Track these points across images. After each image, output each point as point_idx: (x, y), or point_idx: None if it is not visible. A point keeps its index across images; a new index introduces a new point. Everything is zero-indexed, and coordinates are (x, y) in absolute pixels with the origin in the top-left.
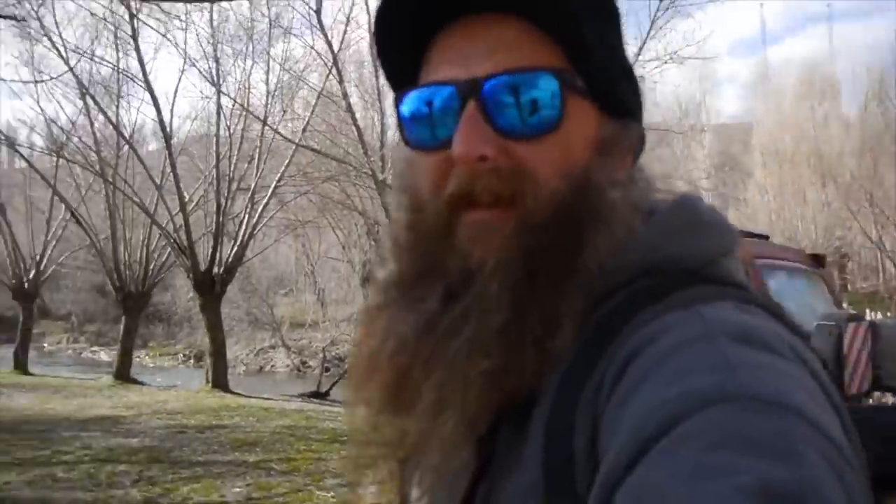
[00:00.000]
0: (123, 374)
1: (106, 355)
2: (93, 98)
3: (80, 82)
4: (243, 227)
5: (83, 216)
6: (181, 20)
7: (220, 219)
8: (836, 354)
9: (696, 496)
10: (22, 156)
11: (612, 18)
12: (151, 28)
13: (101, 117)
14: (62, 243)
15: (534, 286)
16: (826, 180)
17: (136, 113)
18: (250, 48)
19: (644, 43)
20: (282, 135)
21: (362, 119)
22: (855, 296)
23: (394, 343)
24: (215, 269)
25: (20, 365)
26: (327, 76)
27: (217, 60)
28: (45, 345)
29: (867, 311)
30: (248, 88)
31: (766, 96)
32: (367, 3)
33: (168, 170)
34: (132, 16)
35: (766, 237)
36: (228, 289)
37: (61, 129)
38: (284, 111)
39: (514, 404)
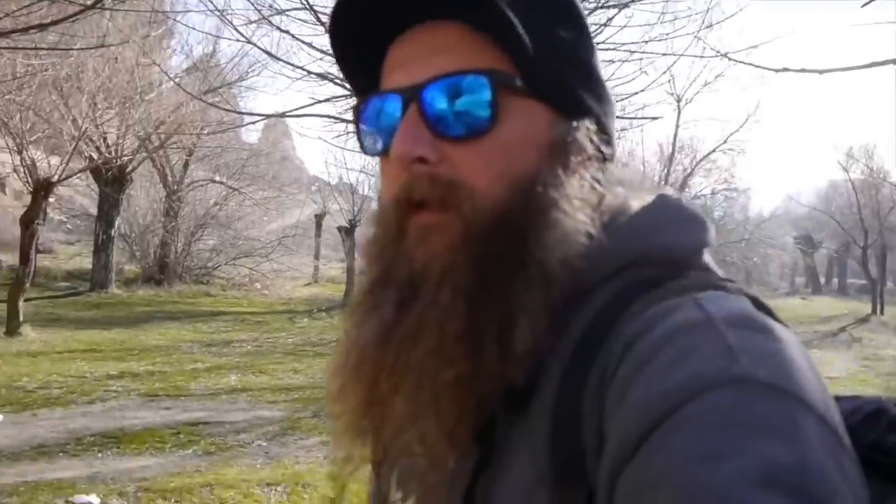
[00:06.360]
0: None
1: None
2: None
3: None
4: None
5: None
6: None
7: None
8: None
9: (699, 480)
10: None
11: (570, 21)
12: None
13: None
14: None
15: (485, 290)
16: None
17: None
18: None
19: None
20: None
21: None
22: None
23: (356, 353)
24: None
25: None
26: None
27: None
28: None
29: None
30: None
31: None
32: None
33: None
34: None
35: None
36: None
37: None
38: None
39: (510, 398)
